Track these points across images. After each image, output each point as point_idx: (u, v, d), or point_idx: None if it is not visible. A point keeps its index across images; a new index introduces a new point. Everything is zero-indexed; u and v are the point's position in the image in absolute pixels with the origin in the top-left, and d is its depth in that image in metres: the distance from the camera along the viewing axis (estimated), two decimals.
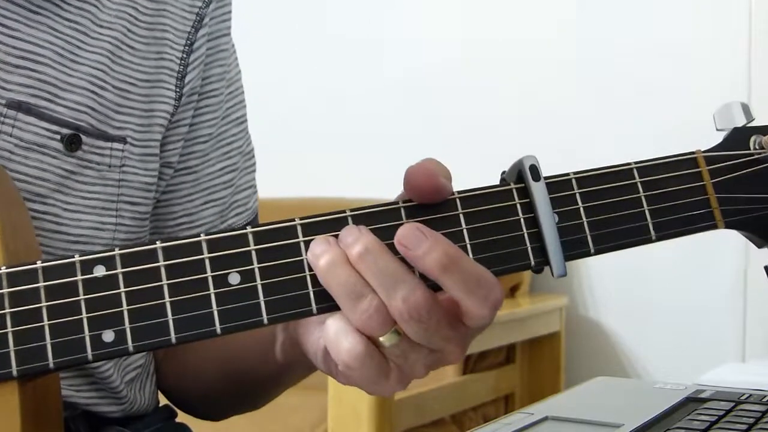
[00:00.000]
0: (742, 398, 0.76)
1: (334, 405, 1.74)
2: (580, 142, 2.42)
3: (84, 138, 0.80)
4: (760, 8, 2.33)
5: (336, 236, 0.63)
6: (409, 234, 0.61)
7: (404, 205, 0.64)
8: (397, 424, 1.79)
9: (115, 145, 0.82)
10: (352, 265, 0.61)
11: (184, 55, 0.87)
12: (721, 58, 2.34)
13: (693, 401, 0.77)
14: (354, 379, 0.64)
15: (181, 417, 0.96)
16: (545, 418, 0.73)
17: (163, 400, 0.95)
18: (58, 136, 0.79)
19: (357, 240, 0.61)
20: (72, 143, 0.79)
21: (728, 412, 0.72)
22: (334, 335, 0.61)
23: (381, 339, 0.61)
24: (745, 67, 2.31)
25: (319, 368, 0.69)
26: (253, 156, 0.96)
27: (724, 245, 2.31)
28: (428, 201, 0.64)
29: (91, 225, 0.81)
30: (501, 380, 2.31)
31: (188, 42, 0.88)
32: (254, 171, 0.96)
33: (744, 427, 0.68)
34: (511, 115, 2.51)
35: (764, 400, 0.75)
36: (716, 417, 0.70)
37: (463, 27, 2.63)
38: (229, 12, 0.93)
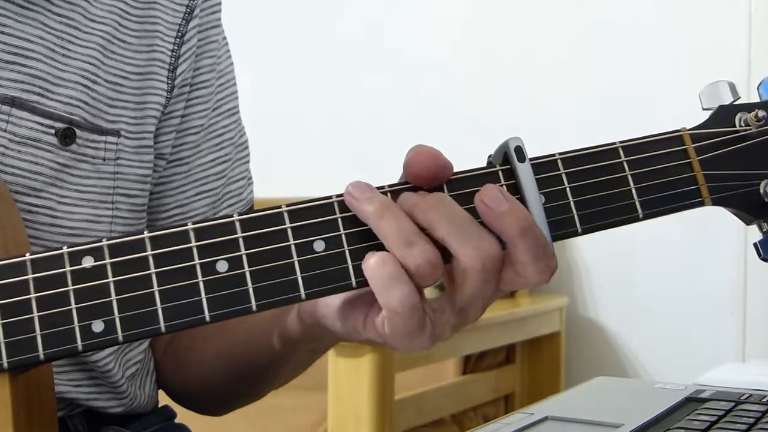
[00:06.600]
0: (742, 398, 0.75)
1: (334, 405, 1.74)
2: (579, 142, 2.41)
3: (78, 132, 0.80)
4: (760, 8, 2.33)
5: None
6: (492, 194, 0.61)
7: (390, 189, 0.64)
8: (397, 424, 1.78)
9: (109, 138, 0.83)
10: (405, 213, 0.61)
11: (176, 47, 0.88)
12: (721, 58, 2.34)
13: (693, 401, 0.76)
14: (394, 331, 0.62)
15: (181, 418, 0.95)
16: (545, 418, 0.72)
17: (162, 401, 0.95)
18: (53, 131, 0.79)
19: (425, 195, 0.62)
20: (66, 137, 0.79)
21: (728, 412, 0.71)
22: (387, 279, 0.60)
23: (426, 291, 0.61)
24: (745, 66, 2.31)
25: (335, 328, 0.68)
26: (247, 147, 0.96)
27: (724, 245, 2.31)
28: (437, 182, 0.64)
29: (87, 218, 0.82)
30: (501, 380, 2.31)
31: (179, 33, 0.88)
32: (248, 162, 0.96)
33: (744, 427, 0.67)
34: (511, 115, 2.50)
35: (764, 400, 0.74)
36: (716, 417, 0.69)
37: (463, 27, 2.63)
38: (219, 3, 0.93)
